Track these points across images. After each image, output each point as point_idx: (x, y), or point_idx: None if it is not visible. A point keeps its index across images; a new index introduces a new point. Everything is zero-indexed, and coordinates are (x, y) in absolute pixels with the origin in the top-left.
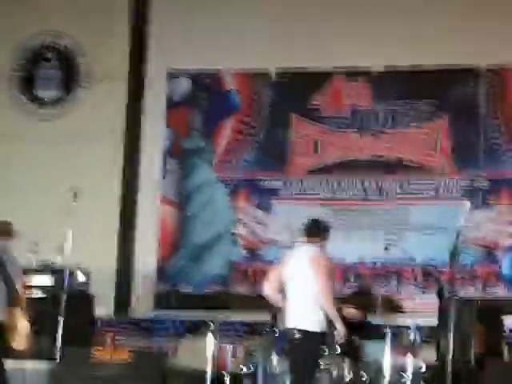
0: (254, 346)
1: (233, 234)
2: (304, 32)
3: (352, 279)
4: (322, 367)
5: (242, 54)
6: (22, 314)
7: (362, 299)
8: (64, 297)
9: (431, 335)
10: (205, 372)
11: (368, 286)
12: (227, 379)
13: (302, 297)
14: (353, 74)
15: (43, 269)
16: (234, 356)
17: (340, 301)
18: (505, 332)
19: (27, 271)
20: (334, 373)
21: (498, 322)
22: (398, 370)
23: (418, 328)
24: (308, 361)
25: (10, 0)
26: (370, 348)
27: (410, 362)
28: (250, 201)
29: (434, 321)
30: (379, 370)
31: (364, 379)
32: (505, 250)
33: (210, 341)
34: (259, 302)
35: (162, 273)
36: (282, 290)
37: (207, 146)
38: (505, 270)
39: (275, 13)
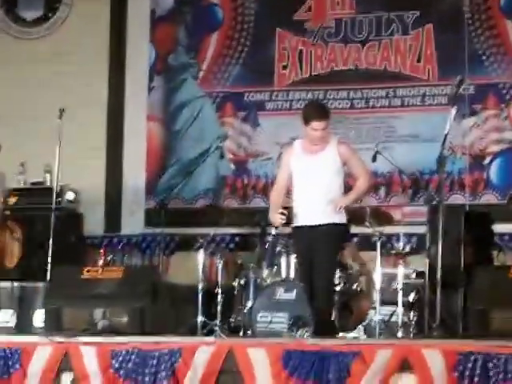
0: (245, 258)
1: (220, 148)
2: None
3: None
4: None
5: None
6: (11, 233)
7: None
8: (53, 216)
9: (421, 244)
10: (196, 287)
11: None
12: (219, 293)
13: (324, 189)
14: None
15: (31, 188)
16: (225, 270)
17: None
18: (494, 238)
19: (15, 191)
20: None
21: (487, 228)
22: (389, 279)
23: (408, 237)
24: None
25: None
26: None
27: (400, 270)
28: (236, 115)
29: (423, 229)
30: (369, 280)
31: (354, 288)
32: (492, 156)
33: (200, 256)
34: (249, 215)
35: (151, 189)
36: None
37: (192, 62)
38: (493, 177)
39: None
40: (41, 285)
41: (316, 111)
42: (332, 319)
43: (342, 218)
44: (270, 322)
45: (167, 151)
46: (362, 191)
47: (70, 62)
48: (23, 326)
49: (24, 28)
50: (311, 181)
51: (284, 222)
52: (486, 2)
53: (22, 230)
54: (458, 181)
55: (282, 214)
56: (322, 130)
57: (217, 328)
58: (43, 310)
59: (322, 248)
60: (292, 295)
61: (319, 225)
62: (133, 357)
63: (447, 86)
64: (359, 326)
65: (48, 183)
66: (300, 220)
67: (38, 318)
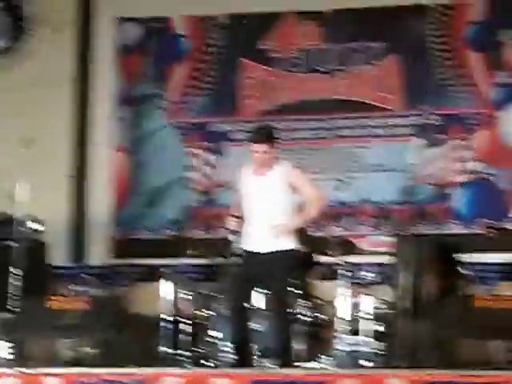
0: (211, 289)
1: (186, 178)
2: None
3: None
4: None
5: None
6: None
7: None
8: (16, 247)
9: (387, 274)
10: (162, 318)
11: None
12: (184, 323)
13: (270, 212)
14: (303, 15)
15: None
16: (190, 300)
17: None
18: (460, 268)
19: None
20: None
21: (453, 257)
22: (354, 310)
23: (373, 267)
24: (286, 284)
25: None
26: (325, 288)
27: (365, 301)
28: (202, 145)
29: (389, 259)
30: (335, 309)
31: (320, 318)
32: (457, 186)
33: (166, 286)
34: (214, 245)
35: (116, 219)
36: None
37: (159, 92)
38: (457, 207)
39: None
40: (5, 315)
41: (256, 134)
42: (288, 347)
43: (289, 244)
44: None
45: (132, 181)
46: (309, 216)
47: (34, 91)
48: None
49: None
50: (257, 203)
51: (234, 227)
52: (450, 32)
53: None
54: (423, 211)
55: (236, 217)
56: (263, 153)
57: (182, 358)
58: (8, 341)
59: (275, 275)
60: (261, 326)
61: (267, 252)
62: None
63: (412, 116)
64: (326, 356)
65: (11, 213)
66: (247, 245)
67: (3, 348)
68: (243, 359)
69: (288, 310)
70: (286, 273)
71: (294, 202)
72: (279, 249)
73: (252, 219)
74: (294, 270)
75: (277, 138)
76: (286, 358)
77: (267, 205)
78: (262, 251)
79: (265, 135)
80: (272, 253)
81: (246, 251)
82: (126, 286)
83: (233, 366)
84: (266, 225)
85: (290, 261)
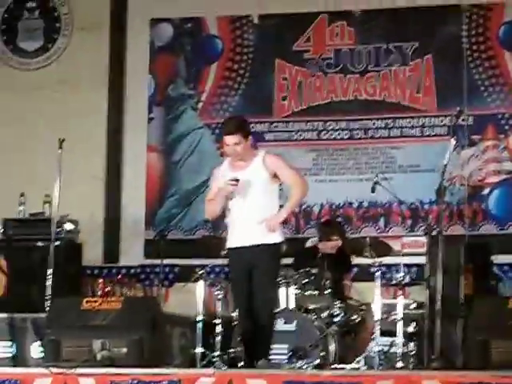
0: None
1: None
2: None
3: (339, 220)
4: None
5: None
6: None
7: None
8: (52, 247)
9: (420, 275)
10: (195, 318)
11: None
12: (218, 324)
13: (253, 207)
14: (335, 16)
15: (31, 219)
16: (224, 301)
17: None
18: (494, 269)
19: (15, 222)
20: (324, 314)
21: (486, 258)
22: (388, 311)
23: (407, 267)
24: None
25: None
26: (360, 289)
27: (399, 301)
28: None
29: (422, 260)
30: (369, 311)
31: (354, 319)
32: (491, 187)
33: (199, 287)
34: None
35: (150, 220)
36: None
37: (192, 93)
38: (492, 208)
39: None
40: (40, 316)
41: (227, 125)
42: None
43: (276, 237)
44: (270, 354)
45: (166, 182)
46: (295, 202)
47: (69, 92)
48: (22, 357)
49: (24, 59)
50: (239, 200)
51: (235, 185)
52: (484, 32)
53: (22, 261)
54: (457, 211)
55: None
56: (235, 145)
57: (216, 359)
58: (42, 341)
59: (261, 269)
60: (292, 326)
61: (253, 245)
62: None
63: (446, 116)
64: (359, 357)
65: (47, 214)
66: (233, 241)
67: (37, 349)
68: (250, 359)
69: (273, 306)
70: (272, 265)
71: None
72: (267, 242)
73: (234, 216)
74: (279, 264)
75: (249, 129)
76: (263, 355)
77: (250, 200)
78: (247, 244)
79: (234, 126)
80: (257, 246)
81: (230, 249)
82: (160, 287)
83: (242, 366)
84: (251, 220)
85: (276, 254)
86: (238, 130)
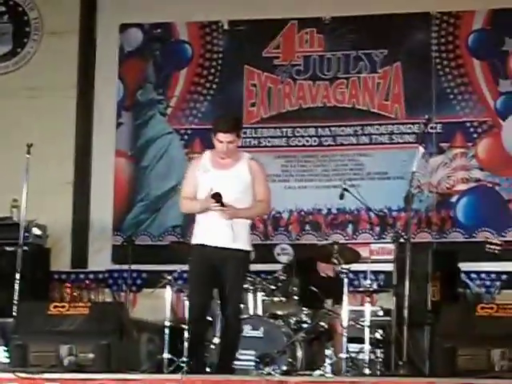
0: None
1: None
2: None
3: (308, 227)
4: None
5: (194, 6)
6: None
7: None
8: (20, 252)
9: (388, 282)
10: (163, 323)
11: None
12: (186, 329)
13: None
14: (305, 23)
15: None
16: None
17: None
18: (461, 276)
19: None
20: (292, 321)
21: (454, 266)
22: (356, 317)
23: (375, 274)
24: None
25: None
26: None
27: (367, 308)
28: (204, 151)
29: (390, 267)
30: (336, 318)
31: (321, 326)
32: (459, 194)
33: (168, 292)
34: None
35: (118, 225)
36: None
37: (161, 98)
38: (460, 216)
39: None
40: (7, 320)
41: (223, 122)
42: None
43: (248, 245)
44: (237, 360)
45: (135, 187)
46: (254, 212)
47: (37, 97)
48: None
49: None
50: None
51: (218, 206)
52: (453, 41)
53: None
54: (426, 219)
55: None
56: (228, 143)
57: (183, 365)
58: (9, 346)
59: (230, 274)
60: (259, 332)
61: (225, 248)
62: None
63: (415, 124)
64: (326, 364)
65: (15, 218)
66: (203, 239)
67: (3, 353)
68: (196, 366)
69: (240, 313)
70: (241, 272)
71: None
72: (238, 247)
73: (210, 214)
74: (246, 272)
75: (242, 129)
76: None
77: (233, 200)
78: (219, 245)
79: (232, 125)
80: (231, 249)
81: (200, 245)
82: (127, 292)
83: (188, 372)
84: (227, 222)
85: (247, 261)
86: (234, 129)
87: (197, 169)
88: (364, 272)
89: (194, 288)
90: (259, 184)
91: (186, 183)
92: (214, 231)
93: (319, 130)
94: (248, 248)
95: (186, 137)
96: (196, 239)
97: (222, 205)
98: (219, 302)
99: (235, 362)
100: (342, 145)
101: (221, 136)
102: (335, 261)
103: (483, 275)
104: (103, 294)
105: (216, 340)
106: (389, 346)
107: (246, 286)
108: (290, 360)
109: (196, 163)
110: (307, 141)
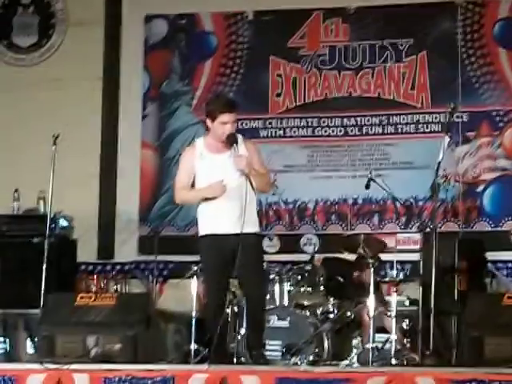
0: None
1: None
2: None
3: (333, 218)
4: None
5: None
6: None
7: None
8: (47, 243)
9: (414, 272)
10: (189, 314)
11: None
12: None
13: (235, 192)
14: (330, 13)
15: (25, 215)
16: None
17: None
18: (488, 266)
19: (9, 218)
20: (319, 311)
21: (480, 255)
22: (384, 308)
23: (402, 264)
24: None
25: None
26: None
27: (393, 298)
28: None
29: (416, 257)
30: (363, 307)
31: (348, 316)
32: (485, 184)
33: (194, 283)
34: None
35: (144, 216)
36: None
37: (186, 89)
38: (486, 205)
39: None
40: (34, 312)
41: (225, 102)
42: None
43: (258, 228)
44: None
45: (160, 178)
46: (263, 177)
47: (63, 88)
48: (15, 353)
49: (18, 55)
50: (226, 183)
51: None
52: (479, 30)
53: (16, 257)
54: (452, 208)
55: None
56: (233, 123)
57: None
58: (36, 337)
59: (246, 262)
60: (285, 323)
61: (236, 234)
62: None
63: (440, 113)
64: (353, 354)
65: (42, 210)
66: (211, 228)
67: (31, 345)
68: (218, 356)
69: (264, 300)
70: (257, 257)
71: None
72: (249, 231)
73: (218, 201)
74: (262, 256)
75: None
76: (259, 351)
77: (236, 183)
78: (230, 232)
79: (233, 104)
80: (242, 235)
81: (209, 236)
82: (154, 283)
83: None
84: (234, 207)
85: (261, 244)
86: (236, 108)
87: (193, 157)
88: (390, 262)
89: (210, 283)
90: (258, 162)
91: (180, 173)
92: (221, 217)
93: (345, 120)
94: (258, 230)
95: None
96: (203, 230)
97: (236, 146)
98: (242, 291)
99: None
100: (367, 134)
101: (226, 117)
102: (361, 251)
103: (510, 265)
104: (130, 284)
105: (243, 330)
106: (415, 335)
107: (272, 276)
108: (317, 350)
109: (191, 152)
110: (333, 131)
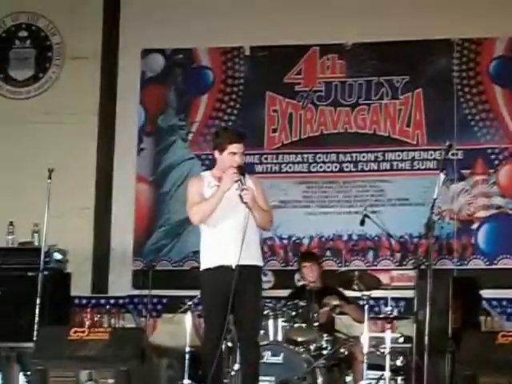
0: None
1: None
2: (277, 9)
3: (328, 253)
4: None
5: (216, 31)
6: None
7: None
8: (41, 276)
9: (409, 308)
10: (183, 349)
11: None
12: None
13: (242, 224)
14: (327, 49)
15: (20, 248)
16: None
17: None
18: (482, 303)
19: (3, 251)
20: (312, 347)
21: (475, 293)
22: (376, 344)
23: (396, 301)
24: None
25: None
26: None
27: (387, 335)
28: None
29: (411, 294)
30: (357, 344)
31: (342, 353)
32: (480, 221)
33: (188, 318)
34: None
35: (138, 251)
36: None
37: (182, 123)
38: (481, 243)
39: None
40: (27, 345)
41: (234, 133)
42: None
43: (261, 261)
44: None
45: (155, 212)
46: (266, 214)
47: (59, 121)
48: None
49: (15, 88)
50: (228, 214)
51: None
52: (474, 67)
53: (10, 290)
54: (447, 245)
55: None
56: (241, 155)
57: None
58: (29, 371)
59: (246, 297)
60: (279, 359)
61: (238, 266)
62: None
63: (436, 150)
64: None
65: (36, 243)
66: (213, 260)
67: (24, 378)
68: None
69: (258, 336)
70: (257, 293)
71: None
72: (252, 263)
73: (220, 232)
74: (261, 292)
75: None
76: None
77: (238, 217)
78: (232, 264)
79: (242, 134)
80: (244, 268)
81: (210, 269)
82: (147, 318)
83: None
84: (238, 240)
85: (260, 280)
86: (244, 139)
87: (201, 184)
88: (385, 299)
89: (209, 318)
90: (261, 198)
91: (191, 196)
92: (225, 249)
93: (340, 155)
94: (261, 264)
95: (207, 162)
96: (205, 264)
97: (244, 178)
98: (236, 326)
99: None
100: (363, 171)
101: (235, 147)
102: (356, 287)
103: (504, 302)
104: (123, 319)
105: (236, 366)
106: (409, 373)
107: (266, 311)
108: None
109: (199, 179)
110: (328, 167)
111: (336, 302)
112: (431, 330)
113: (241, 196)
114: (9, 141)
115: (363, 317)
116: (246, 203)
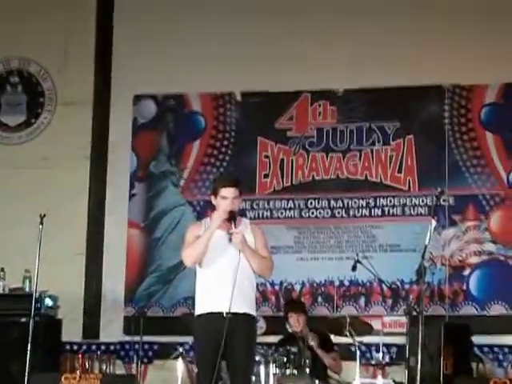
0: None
1: None
2: (267, 55)
3: (320, 299)
4: None
5: (207, 77)
6: None
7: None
8: (32, 323)
9: (400, 355)
10: None
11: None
12: None
13: (238, 271)
14: (318, 95)
15: (11, 294)
16: None
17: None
18: (474, 350)
19: None
20: None
21: (466, 339)
22: None
23: (387, 347)
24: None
25: None
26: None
27: (379, 381)
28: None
29: (402, 340)
30: None
31: None
32: (472, 267)
33: (179, 364)
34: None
35: (130, 297)
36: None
37: (174, 169)
38: (472, 289)
39: (240, 36)
40: None
41: (225, 178)
42: None
43: (254, 310)
44: None
45: (147, 258)
46: (259, 260)
47: (50, 167)
48: None
49: (6, 133)
50: (224, 259)
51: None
52: (466, 114)
53: (1, 336)
54: (438, 292)
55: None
56: (233, 199)
57: None
58: None
59: (238, 344)
60: None
61: (231, 314)
62: None
63: (427, 196)
64: None
65: (27, 289)
66: (207, 306)
67: None
68: None
69: (251, 381)
70: (250, 341)
71: None
72: (245, 311)
73: (214, 275)
74: (255, 341)
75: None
76: None
77: (235, 261)
78: (225, 310)
79: (235, 180)
80: (237, 316)
81: (204, 316)
82: (139, 364)
83: None
84: (232, 286)
85: (254, 328)
86: (237, 184)
87: (200, 230)
88: (376, 345)
89: (202, 364)
90: (262, 246)
91: (187, 240)
92: (218, 295)
93: (332, 201)
94: (254, 313)
95: (198, 208)
96: (199, 309)
97: (234, 223)
98: (228, 373)
99: None
100: (354, 217)
101: (226, 191)
102: (347, 333)
103: (496, 349)
104: (114, 365)
105: None
106: None
107: (257, 358)
108: None
109: (198, 226)
110: (320, 213)
111: (312, 343)
112: (423, 376)
113: (230, 239)
114: (0, 186)
115: (339, 368)
116: (233, 244)
